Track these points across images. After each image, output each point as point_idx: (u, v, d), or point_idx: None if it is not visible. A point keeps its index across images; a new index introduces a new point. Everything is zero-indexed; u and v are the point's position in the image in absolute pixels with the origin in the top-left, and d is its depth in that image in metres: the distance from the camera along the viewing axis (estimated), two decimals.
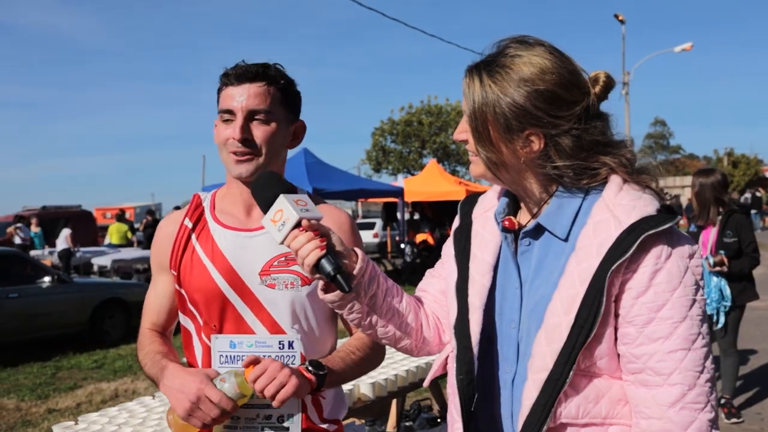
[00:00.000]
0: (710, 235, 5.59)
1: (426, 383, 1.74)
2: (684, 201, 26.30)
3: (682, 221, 9.67)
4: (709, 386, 1.38)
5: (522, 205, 1.58)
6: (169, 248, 1.94)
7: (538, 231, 1.51)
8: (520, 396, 1.46)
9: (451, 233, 1.71)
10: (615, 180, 1.46)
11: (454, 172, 31.03)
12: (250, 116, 1.83)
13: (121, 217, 21.73)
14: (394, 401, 4.28)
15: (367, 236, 26.61)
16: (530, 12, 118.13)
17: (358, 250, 1.56)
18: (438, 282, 1.77)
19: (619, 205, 1.41)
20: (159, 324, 2.01)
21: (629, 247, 1.34)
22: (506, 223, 1.55)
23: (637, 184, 1.46)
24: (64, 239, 17.75)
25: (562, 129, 1.42)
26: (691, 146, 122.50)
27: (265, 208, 1.56)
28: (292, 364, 1.82)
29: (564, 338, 1.38)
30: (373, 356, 1.98)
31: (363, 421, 3.56)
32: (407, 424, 4.83)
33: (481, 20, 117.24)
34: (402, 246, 18.36)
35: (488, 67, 1.45)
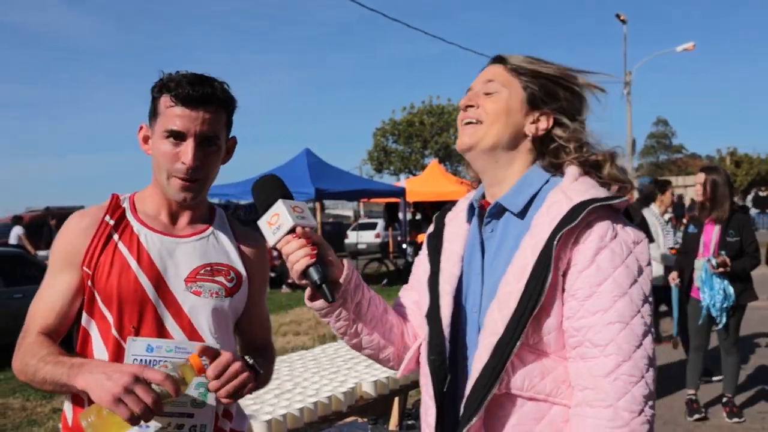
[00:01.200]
0: (712, 235, 5.61)
1: (399, 375, 1.75)
2: (687, 201, 26.25)
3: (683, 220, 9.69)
4: (645, 363, 1.42)
5: (489, 195, 1.66)
6: (85, 243, 1.82)
7: (500, 213, 1.61)
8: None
9: (425, 239, 1.80)
10: (572, 170, 1.58)
11: (455, 173, 31.01)
12: (200, 141, 1.79)
13: None
14: (396, 399, 4.30)
15: (369, 236, 26.63)
16: (531, 12, 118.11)
17: (345, 260, 1.62)
18: (411, 294, 1.82)
19: (572, 189, 1.52)
20: (52, 328, 1.82)
21: (576, 217, 1.43)
22: (483, 203, 1.66)
23: (593, 179, 1.58)
24: None
25: (571, 117, 1.61)
26: (693, 146, 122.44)
27: (263, 210, 1.61)
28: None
29: (514, 305, 1.44)
30: (271, 368, 2.07)
31: (365, 419, 3.58)
32: (410, 422, 4.84)
33: (483, 21, 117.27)
34: (404, 246, 18.39)
35: (517, 56, 1.65)
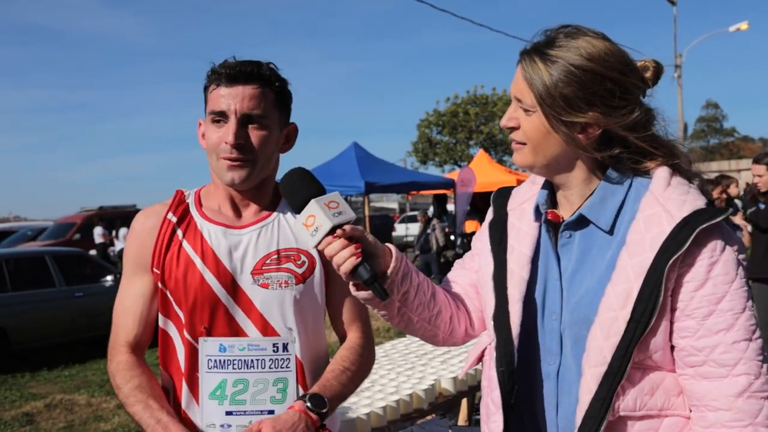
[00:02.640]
0: None
1: (461, 375, 1.75)
2: (741, 185, 25.57)
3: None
4: None
5: (561, 197, 1.57)
6: (152, 244, 1.80)
7: (579, 223, 1.51)
8: (569, 389, 1.48)
9: (486, 225, 1.71)
10: (662, 173, 1.47)
11: (501, 162, 30.77)
12: (243, 120, 1.74)
13: None
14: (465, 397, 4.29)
15: (417, 228, 26.60)
16: None
17: (392, 247, 1.55)
18: (467, 274, 1.76)
19: (669, 199, 1.42)
20: (137, 337, 1.83)
21: (685, 240, 1.36)
22: (550, 215, 1.55)
23: (684, 178, 1.48)
24: (122, 239, 18.22)
25: (621, 113, 1.43)
26: (746, 128, 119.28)
27: (297, 210, 1.54)
28: (287, 367, 1.77)
29: (621, 332, 1.39)
30: (365, 364, 1.92)
31: (443, 416, 3.54)
32: (478, 417, 4.82)
33: (528, 6, 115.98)
34: (452, 238, 18.30)
35: (549, 47, 1.45)
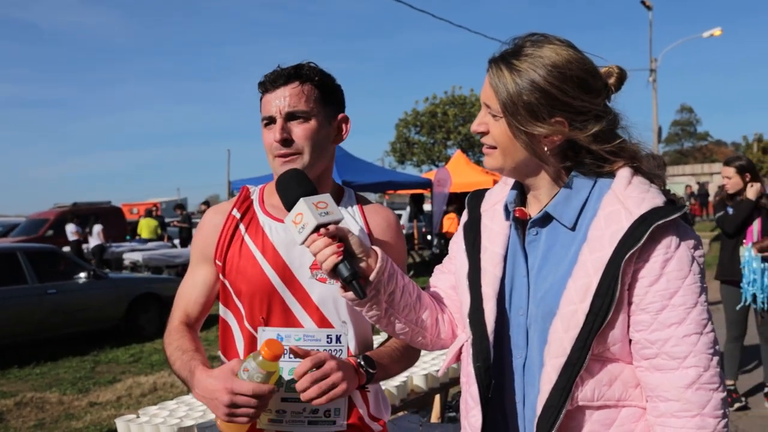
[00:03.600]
0: (753, 222, 5.52)
1: (440, 373, 1.81)
2: (713, 188, 25.94)
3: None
4: (720, 368, 1.47)
5: (530, 196, 1.63)
6: (216, 238, 1.92)
7: (545, 220, 1.57)
8: (534, 381, 1.53)
9: (460, 228, 1.76)
10: (624, 173, 1.52)
11: (478, 163, 30.87)
12: (289, 118, 1.85)
13: (150, 212, 22.02)
14: (437, 394, 4.31)
15: None
16: (555, 1, 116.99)
17: (377, 249, 1.61)
18: (447, 277, 1.81)
19: (629, 197, 1.48)
20: (192, 315, 1.96)
21: (641, 236, 1.41)
22: (517, 213, 1.61)
23: (645, 177, 1.53)
24: (96, 235, 18.02)
25: (587, 116, 1.48)
26: (719, 133, 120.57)
27: (288, 208, 1.62)
28: (340, 357, 1.82)
29: (580, 325, 1.44)
30: (413, 353, 2.01)
31: (416, 413, 3.57)
32: (451, 414, 4.86)
33: (507, 10, 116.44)
34: (428, 238, 18.35)
35: (515, 56, 1.50)
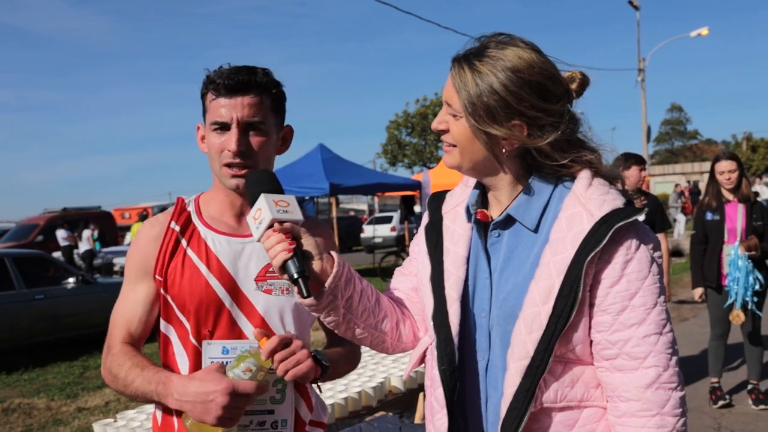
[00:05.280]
0: (737, 222, 5.55)
1: (405, 375, 1.80)
2: (702, 187, 26.03)
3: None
4: (678, 367, 1.49)
5: (492, 197, 1.63)
6: (155, 252, 1.86)
7: (507, 222, 1.58)
8: (496, 383, 1.54)
9: (422, 229, 1.76)
10: (584, 174, 1.54)
11: None
12: (244, 128, 1.81)
13: (143, 217, 21.98)
14: (422, 394, 4.31)
15: (385, 230, 26.62)
16: (542, 0, 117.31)
17: (334, 253, 1.59)
18: (408, 279, 1.80)
19: (590, 199, 1.49)
20: (135, 335, 1.87)
21: (602, 237, 1.43)
22: (479, 215, 1.61)
23: (604, 179, 1.55)
24: (86, 240, 17.98)
25: (545, 121, 1.49)
26: (708, 131, 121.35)
27: (251, 204, 1.61)
28: None
29: (543, 326, 1.45)
30: (355, 357, 2.04)
31: (400, 415, 3.59)
32: None
33: (495, 11, 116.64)
34: None
35: (478, 57, 1.50)
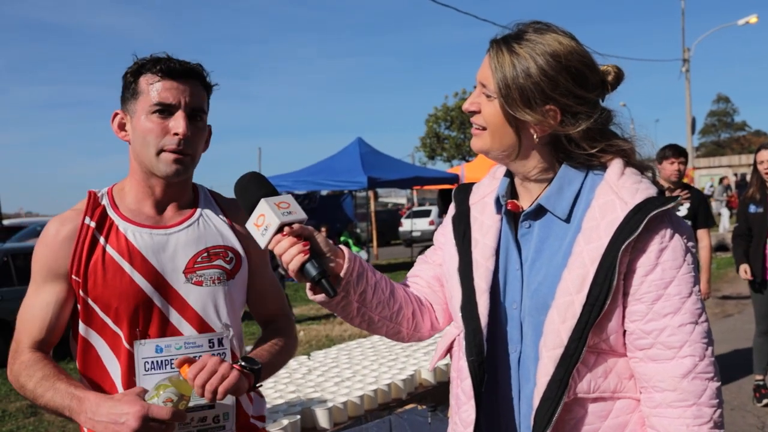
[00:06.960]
0: None
1: (430, 367, 1.78)
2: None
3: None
4: (714, 357, 1.47)
5: (521, 187, 1.62)
6: (69, 251, 1.73)
7: (538, 212, 1.56)
8: (529, 375, 1.53)
9: (448, 220, 1.75)
10: (617, 163, 1.52)
11: None
12: (190, 115, 1.75)
13: None
14: None
15: (423, 224, 26.58)
16: None
17: (344, 248, 1.56)
18: (431, 268, 1.79)
19: (623, 188, 1.48)
20: (44, 342, 1.75)
21: (637, 226, 1.41)
22: (510, 205, 1.60)
23: (636, 168, 1.53)
24: None
25: (580, 109, 1.47)
26: (757, 122, 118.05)
27: (249, 211, 1.54)
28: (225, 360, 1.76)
29: (577, 315, 1.43)
30: (291, 342, 1.96)
31: (424, 407, 3.58)
32: None
33: (533, 2, 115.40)
34: None
35: (517, 40, 1.49)
